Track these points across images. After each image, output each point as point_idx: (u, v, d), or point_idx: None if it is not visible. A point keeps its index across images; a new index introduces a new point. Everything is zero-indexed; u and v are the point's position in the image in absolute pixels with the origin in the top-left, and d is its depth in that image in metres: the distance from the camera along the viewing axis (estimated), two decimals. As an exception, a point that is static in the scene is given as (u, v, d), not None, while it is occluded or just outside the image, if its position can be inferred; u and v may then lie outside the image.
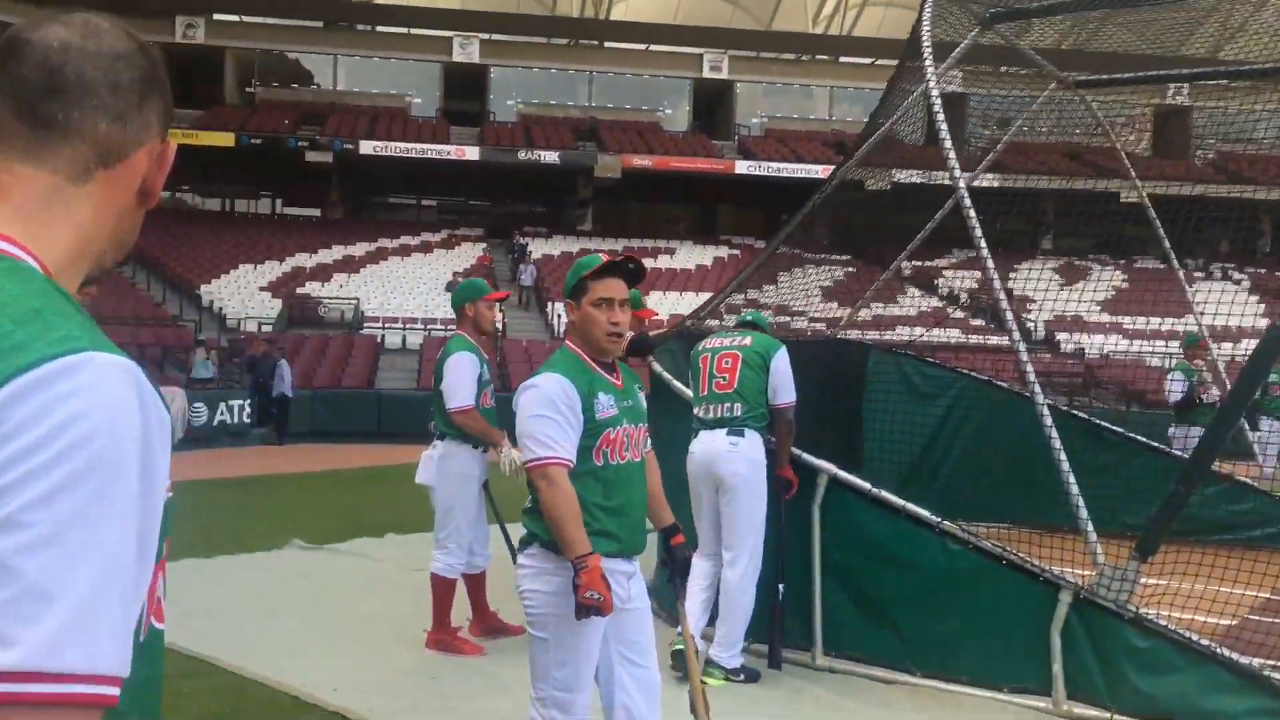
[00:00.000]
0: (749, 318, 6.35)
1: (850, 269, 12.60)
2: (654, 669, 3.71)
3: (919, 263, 26.09)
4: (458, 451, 6.14)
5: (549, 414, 3.48)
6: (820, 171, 32.40)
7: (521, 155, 35.84)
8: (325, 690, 5.44)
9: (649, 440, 3.85)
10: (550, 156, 36.03)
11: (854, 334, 10.63)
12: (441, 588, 6.21)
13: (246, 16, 37.84)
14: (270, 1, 38.28)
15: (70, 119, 1.18)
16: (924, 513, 5.59)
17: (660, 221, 41.27)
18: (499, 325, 27.08)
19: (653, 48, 40.18)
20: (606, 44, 40.22)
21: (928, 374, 9.98)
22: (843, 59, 41.28)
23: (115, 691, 1.02)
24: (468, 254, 34.56)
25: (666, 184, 37.88)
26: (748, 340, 5.98)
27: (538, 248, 35.79)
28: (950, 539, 5.50)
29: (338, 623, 6.81)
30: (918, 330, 13.40)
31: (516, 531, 3.97)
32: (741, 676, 5.65)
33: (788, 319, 9.45)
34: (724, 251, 36.37)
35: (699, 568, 5.86)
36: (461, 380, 6.00)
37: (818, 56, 41.55)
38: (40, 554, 0.97)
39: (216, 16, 37.23)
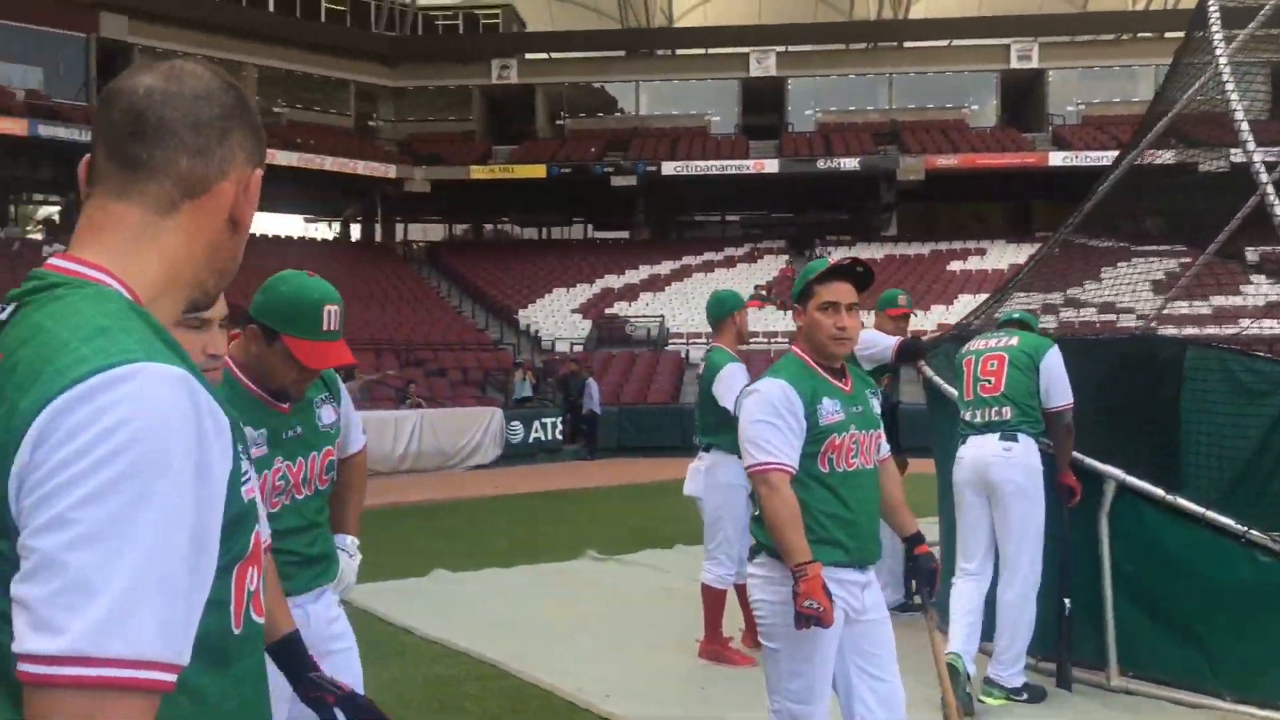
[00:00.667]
0: (1015, 316, 5.97)
1: (1184, 259, 11.60)
2: (895, 682, 3.56)
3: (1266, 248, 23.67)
4: (724, 462, 6.12)
5: (770, 419, 3.43)
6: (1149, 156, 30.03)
7: (821, 164, 35.59)
8: (599, 695, 5.58)
9: (884, 446, 3.72)
10: (850, 163, 35.57)
11: (1170, 330, 9.77)
12: (712, 598, 6.22)
13: (555, 54, 39.92)
14: (576, 37, 40.27)
15: (153, 157, 1.28)
16: (1228, 521, 5.02)
17: (969, 221, 39.75)
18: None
19: (955, 43, 38.84)
20: (906, 44, 39.28)
21: (1258, 370, 8.99)
22: (1168, 34, 38.20)
23: (165, 677, 1.08)
24: (770, 267, 34.68)
25: (974, 182, 36.45)
26: (1014, 340, 5.63)
27: (840, 255, 35.31)
28: (1260, 550, 4.91)
29: (619, 631, 6.97)
30: (1244, 322, 12.13)
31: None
32: (1025, 696, 5.30)
33: (1080, 314, 8.81)
34: (1039, 248, 34.48)
35: (962, 591, 5.56)
36: (739, 388, 5.99)
37: (1139, 35, 38.68)
38: (85, 549, 1.04)
39: (528, 56, 39.50)
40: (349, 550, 3.15)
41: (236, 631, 1.27)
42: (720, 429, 6.05)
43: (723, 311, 6.26)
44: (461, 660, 6.42)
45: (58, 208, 36.16)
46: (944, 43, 38.94)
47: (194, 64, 1.36)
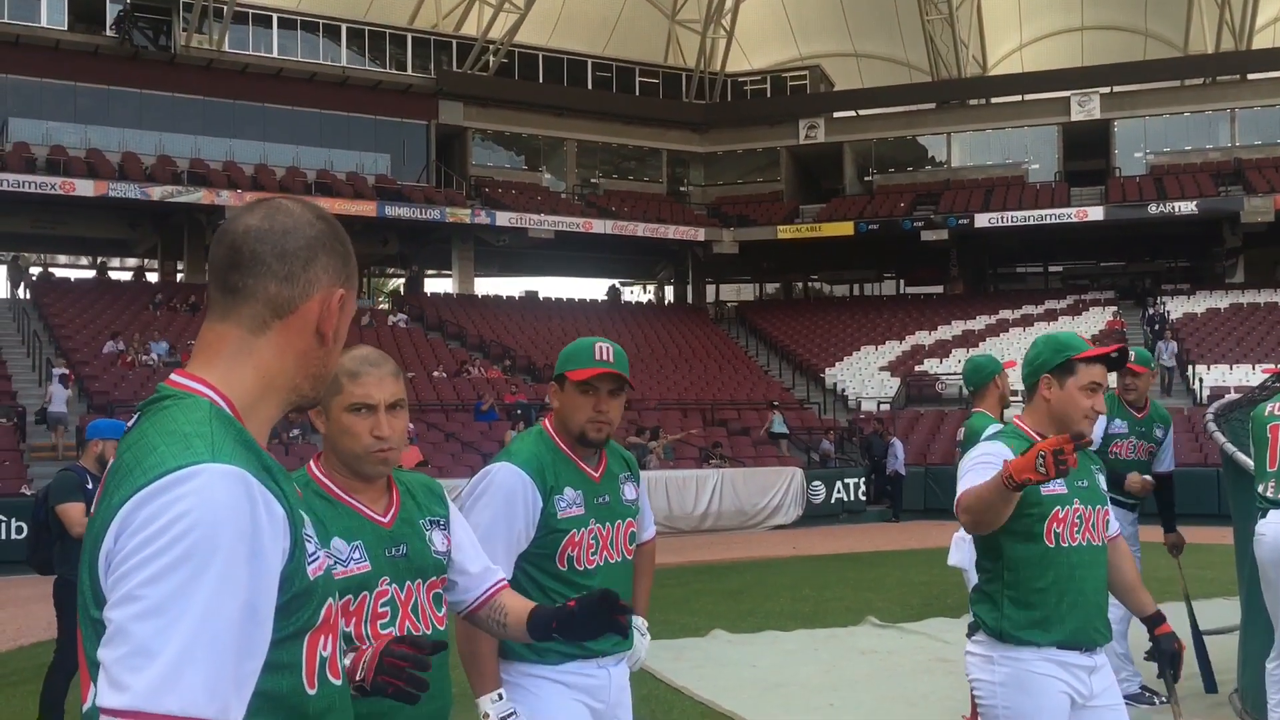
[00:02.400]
0: (1324, 373, 5.30)
1: None
2: None
3: None
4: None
5: (979, 465, 3.27)
6: None
7: (1152, 209, 33.20)
8: (852, 768, 5.41)
9: (1112, 523, 3.46)
10: (1186, 207, 32.96)
11: None
12: (978, 673, 5.88)
13: (863, 111, 39.76)
14: (884, 93, 39.93)
15: (246, 285, 1.49)
16: None
17: (1330, 265, 35.80)
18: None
19: (1309, 70, 35.34)
20: (1249, 76, 36.13)
21: None
22: None
23: None
24: (1096, 319, 32.61)
25: (1335, 222, 32.77)
26: (1327, 404, 5.02)
27: (1178, 306, 32.79)
28: None
29: (885, 701, 6.74)
30: None
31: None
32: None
33: None
34: None
35: (1274, 675, 5.00)
36: None
37: None
38: (147, 621, 1.25)
39: (835, 115, 39.56)
40: (640, 630, 3.28)
41: (311, 692, 1.47)
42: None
43: (982, 378, 5.98)
44: (722, 721, 6.42)
45: (402, 280, 39.69)
46: (1294, 70, 35.51)
47: (290, 202, 1.58)
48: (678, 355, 31.63)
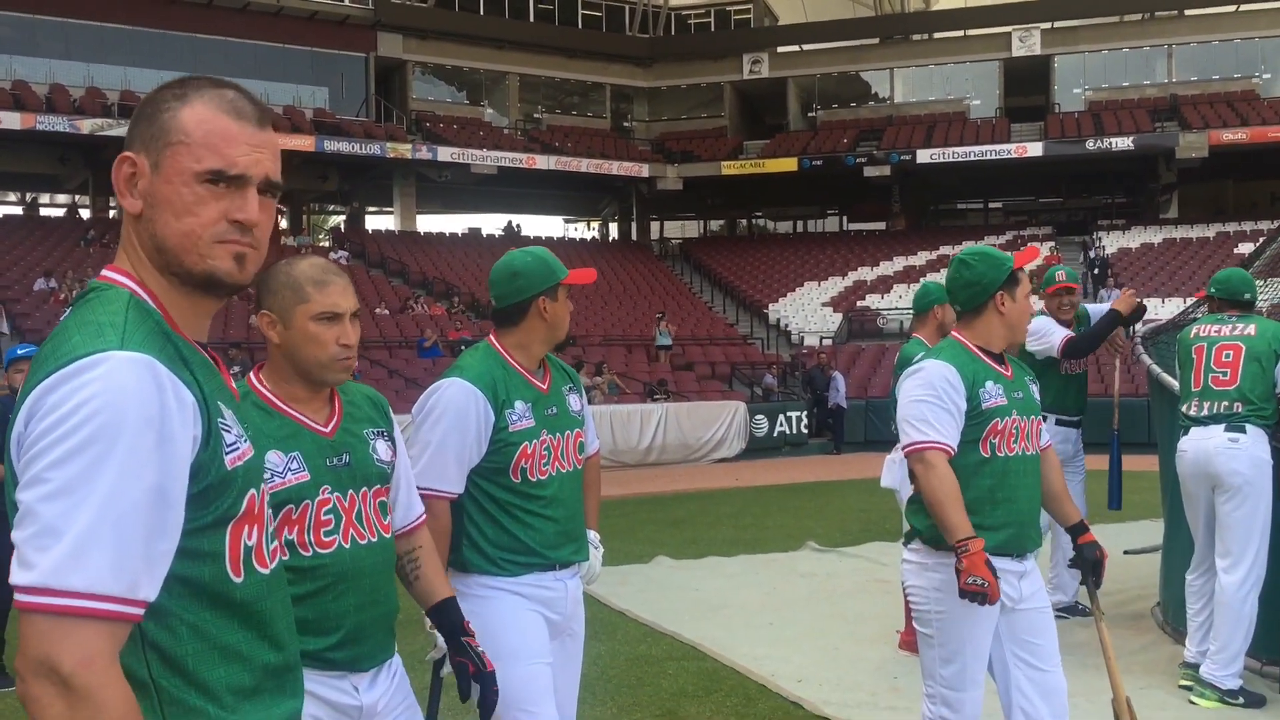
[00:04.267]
0: (1247, 297, 5.44)
1: None
2: (1056, 672, 3.42)
3: None
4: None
5: (929, 398, 3.37)
6: None
7: (1090, 145, 33.57)
8: (790, 681, 5.58)
9: (1045, 434, 3.59)
10: (1124, 143, 33.37)
11: None
12: (912, 589, 6.06)
13: (807, 46, 39.59)
14: (828, 27, 39.78)
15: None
16: None
17: (1261, 200, 36.51)
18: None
19: (1244, 8, 35.71)
20: (1188, 12, 36.44)
21: None
22: None
23: (121, 609, 1.30)
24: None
25: (1266, 158, 33.38)
26: (1251, 329, 5.17)
27: (1114, 241, 33.33)
28: None
29: (822, 620, 6.92)
30: None
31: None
32: (1241, 700, 4.89)
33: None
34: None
35: (1192, 586, 5.24)
36: None
37: None
38: (54, 502, 1.29)
39: (779, 50, 39.37)
40: (594, 544, 3.32)
41: (237, 580, 1.50)
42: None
43: (925, 304, 6.09)
44: (665, 641, 6.56)
45: (342, 217, 39.15)
46: (1231, 8, 35.87)
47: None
48: (622, 292, 31.61)
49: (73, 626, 1.27)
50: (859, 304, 30.79)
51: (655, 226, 42.30)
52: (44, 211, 34.08)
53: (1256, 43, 36.57)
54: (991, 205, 41.25)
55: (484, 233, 37.10)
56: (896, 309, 29.75)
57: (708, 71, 39.24)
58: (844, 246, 36.86)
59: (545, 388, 3.18)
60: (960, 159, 34.47)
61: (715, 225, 44.52)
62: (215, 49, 31.56)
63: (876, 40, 39.25)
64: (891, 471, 6.15)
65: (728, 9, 41.55)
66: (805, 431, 21.94)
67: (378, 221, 39.35)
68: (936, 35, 38.90)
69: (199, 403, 1.42)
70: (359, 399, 2.61)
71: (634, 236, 40.18)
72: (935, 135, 35.98)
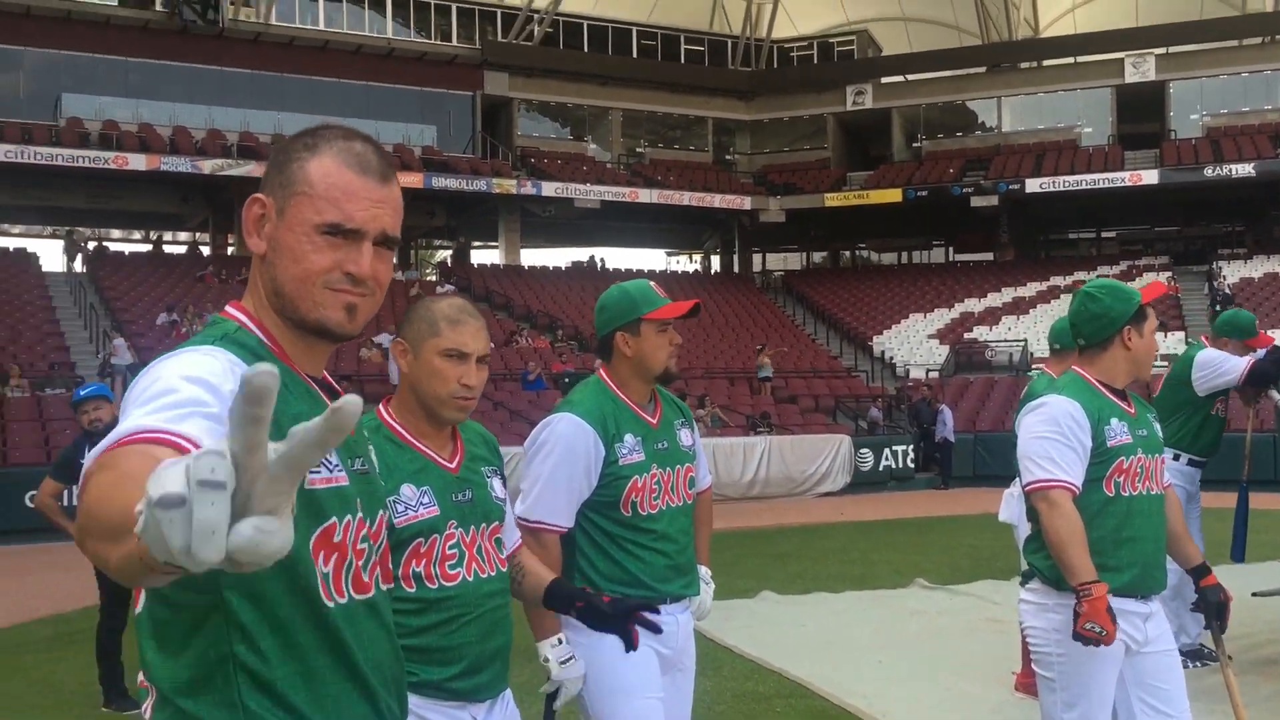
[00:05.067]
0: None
1: None
2: (1184, 717, 3.25)
3: None
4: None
5: (1053, 435, 3.27)
6: None
7: (1209, 172, 32.53)
8: (901, 723, 5.42)
9: (1167, 473, 3.45)
10: (1244, 169, 32.24)
11: None
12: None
13: (911, 76, 39.22)
14: (933, 57, 39.32)
15: None
16: None
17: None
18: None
19: (1372, 28, 34.36)
20: (1311, 33, 35.20)
21: None
22: None
23: None
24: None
25: (1398, 183, 31.94)
26: None
27: (1235, 270, 32.15)
28: None
29: (933, 659, 6.72)
30: None
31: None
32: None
33: None
34: None
35: None
36: None
37: None
38: None
39: (883, 80, 39.06)
40: (705, 579, 3.31)
41: (328, 603, 1.53)
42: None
43: (1067, 340, 5.89)
44: (772, 679, 6.45)
45: (449, 252, 39.87)
46: (1359, 28, 34.56)
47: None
48: (724, 324, 31.54)
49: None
50: (966, 336, 30.19)
51: (757, 259, 42.18)
52: (166, 248, 35.43)
53: (1387, 64, 35.09)
54: (1104, 235, 40.16)
55: (590, 263, 37.40)
56: (1005, 341, 29.10)
57: (810, 103, 39.09)
58: (950, 278, 36.24)
59: (655, 422, 3.19)
60: (1071, 188, 33.67)
61: (818, 257, 44.20)
62: (330, 91, 32.57)
63: (984, 69, 38.66)
64: (1009, 506, 5.96)
65: (830, 41, 41.41)
66: (912, 466, 21.55)
67: (483, 256, 40.00)
68: (1046, 63, 38.16)
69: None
70: (474, 436, 2.68)
71: (736, 269, 40.10)
72: (1045, 164, 35.22)
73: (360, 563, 1.58)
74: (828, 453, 20.07)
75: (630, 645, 2.59)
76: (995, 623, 7.63)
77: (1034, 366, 5.76)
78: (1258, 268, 32.12)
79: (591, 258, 37.86)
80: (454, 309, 2.50)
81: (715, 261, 42.84)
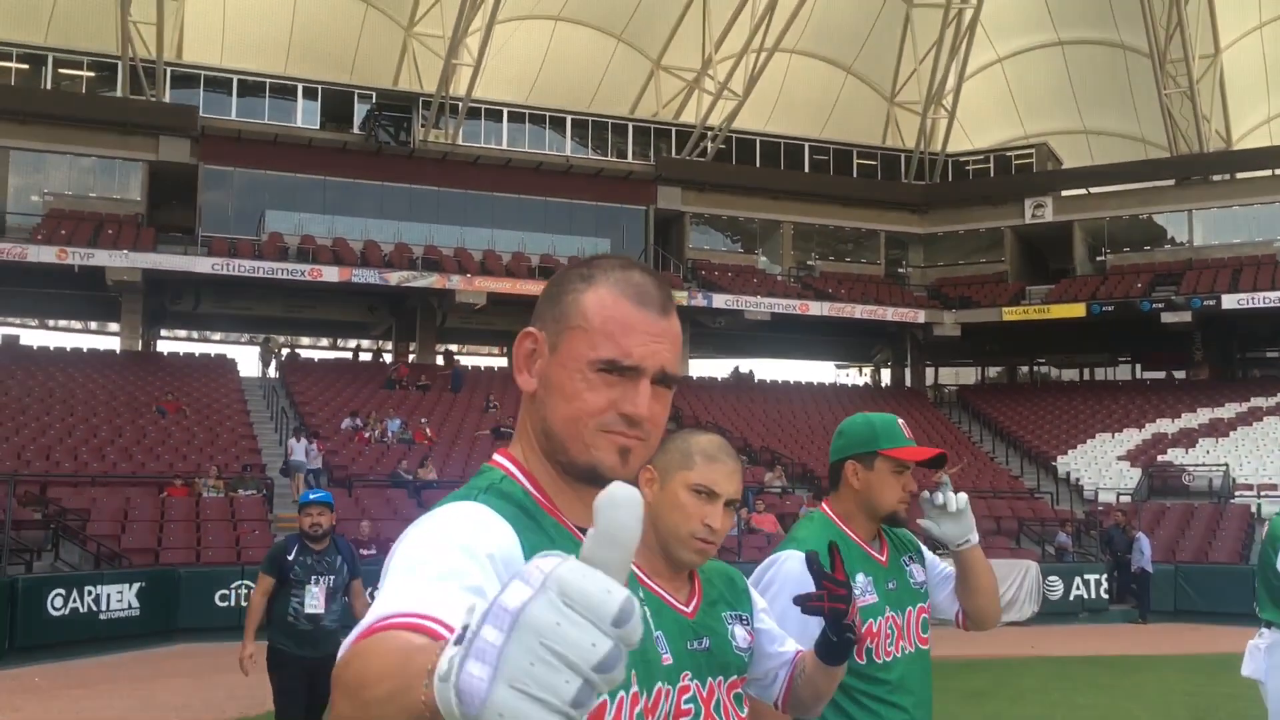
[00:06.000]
0: None
1: None
2: None
3: None
4: (1292, 640, 5.19)
5: None
6: None
7: None
8: None
9: None
10: None
11: None
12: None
13: (1094, 188, 38.15)
14: (1116, 170, 38.20)
15: None
16: None
17: None
18: None
19: None
20: None
21: None
22: None
23: None
24: (1363, 408, 29.83)
25: None
26: None
27: None
28: None
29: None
30: None
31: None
32: None
33: None
34: None
35: None
36: None
37: None
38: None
39: (1064, 193, 38.09)
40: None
41: None
42: (1289, 602, 5.17)
43: None
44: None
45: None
46: None
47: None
48: (897, 440, 30.66)
49: None
50: (1159, 459, 28.54)
51: (929, 373, 41.21)
52: (346, 355, 37.04)
53: None
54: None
55: (754, 378, 37.17)
56: (1204, 466, 27.37)
57: (987, 217, 38.38)
58: (1139, 396, 34.54)
59: (884, 560, 2.98)
60: (1273, 304, 31.82)
61: (992, 372, 42.90)
62: (510, 206, 33.78)
63: (1172, 181, 37.28)
64: (1255, 659, 5.36)
65: (1008, 155, 40.74)
66: (1105, 597, 20.22)
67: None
68: (1240, 175, 36.57)
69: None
70: (715, 577, 2.43)
71: (908, 383, 39.23)
72: (1243, 279, 33.47)
73: None
74: (1014, 579, 19.00)
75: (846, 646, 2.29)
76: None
77: (1264, 492, 5.08)
78: None
79: (736, 368, 37.56)
80: (712, 445, 2.33)
81: (885, 375, 42.04)
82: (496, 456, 1.53)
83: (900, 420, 3.03)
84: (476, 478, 1.49)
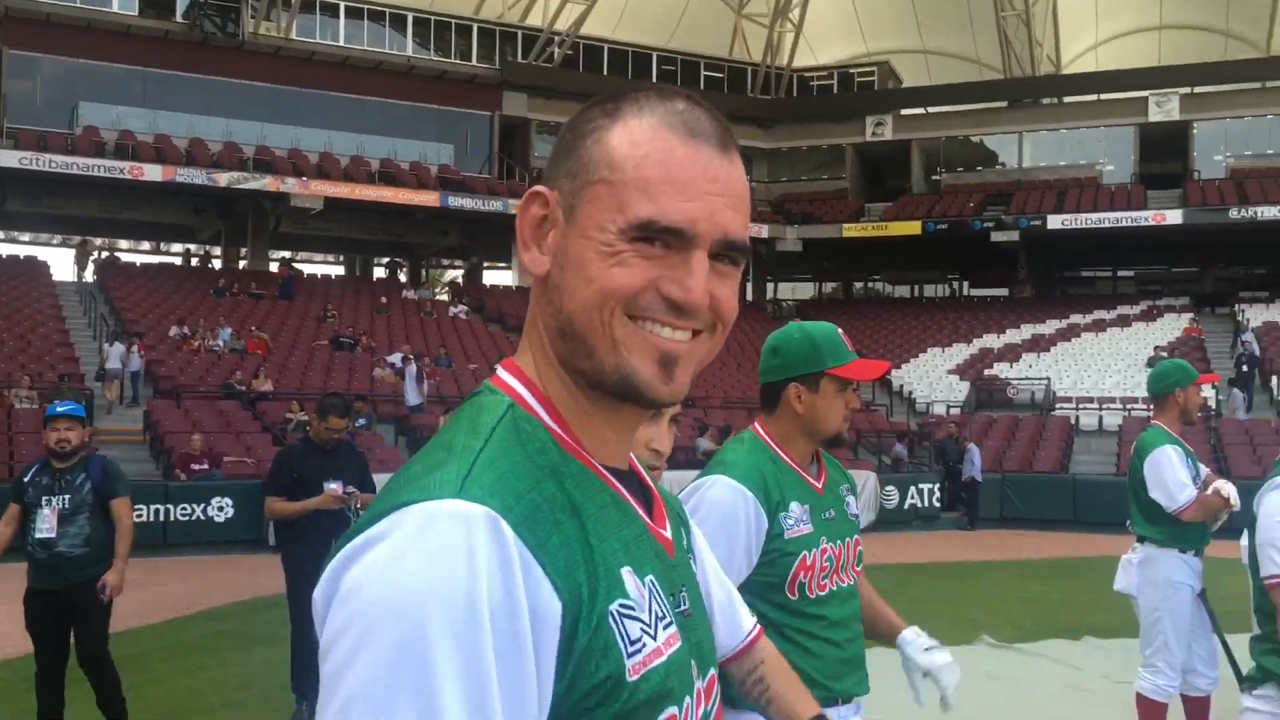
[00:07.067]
0: None
1: None
2: None
3: None
4: (1162, 556, 5.31)
5: None
6: None
7: (1233, 214, 32.19)
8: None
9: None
10: (1269, 212, 31.89)
11: None
12: (1150, 711, 5.38)
13: (932, 108, 38.99)
14: (954, 90, 39.12)
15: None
16: None
17: None
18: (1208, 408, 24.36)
19: (1399, 73, 34.15)
20: (1336, 78, 34.99)
21: None
22: None
23: None
24: (1171, 326, 31.71)
25: None
26: None
27: (1257, 314, 31.77)
28: None
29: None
30: None
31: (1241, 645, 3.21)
32: None
33: None
34: None
35: None
36: (1173, 475, 5.20)
37: None
38: None
39: (903, 112, 38.83)
40: (923, 644, 2.75)
41: None
42: (1159, 519, 5.28)
43: (1162, 387, 5.45)
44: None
45: (461, 271, 39.49)
46: (1386, 74, 34.35)
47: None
48: (740, 353, 31.11)
49: None
50: (986, 372, 29.77)
51: (769, 288, 41.82)
52: (177, 259, 35.11)
53: None
54: (1121, 273, 39.82)
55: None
56: (1027, 379, 28.68)
57: (829, 133, 38.86)
58: (966, 312, 35.90)
59: (821, 487, 2.73)
60: (1094, 225, 33.34)
61: (829, 287, 43.87)
62: (348, 107, 32.31)
63: (1005, 104, 38.44)
64: (1127, 574, 5.48)
65: (850, 72, 41.20)
66: (938, 505, 21.04)
67: (494, 276, 39.65)
68: (1068, 99, 37.94)
69: (571, 588, 0.92)
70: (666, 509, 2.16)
71: (749, 297, 39.71)
72: (1067, 201, 34.94)
73: None
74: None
75: None
76: (1082, 691, 7.17)
77: (1152, 421, 5.22)
78: (1280, 312, 31.75)
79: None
80: None
81: (729, 289, 42.42)
82: (501, 373, 1.08)
83: (839, 330, 2.74)
84: (473, 411, 1.03)
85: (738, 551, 2.56)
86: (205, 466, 16.88)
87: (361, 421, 19.77)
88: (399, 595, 0.84)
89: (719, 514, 2.56)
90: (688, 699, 1.02)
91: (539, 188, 1.05)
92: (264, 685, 7.09)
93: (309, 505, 6.30)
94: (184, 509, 15.57)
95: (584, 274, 1.00)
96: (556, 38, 35.66)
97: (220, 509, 15.73)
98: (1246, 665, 3.26)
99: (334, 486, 6.27)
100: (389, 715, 0.82)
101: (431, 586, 0.84)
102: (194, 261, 34.02)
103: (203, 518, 15.68)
